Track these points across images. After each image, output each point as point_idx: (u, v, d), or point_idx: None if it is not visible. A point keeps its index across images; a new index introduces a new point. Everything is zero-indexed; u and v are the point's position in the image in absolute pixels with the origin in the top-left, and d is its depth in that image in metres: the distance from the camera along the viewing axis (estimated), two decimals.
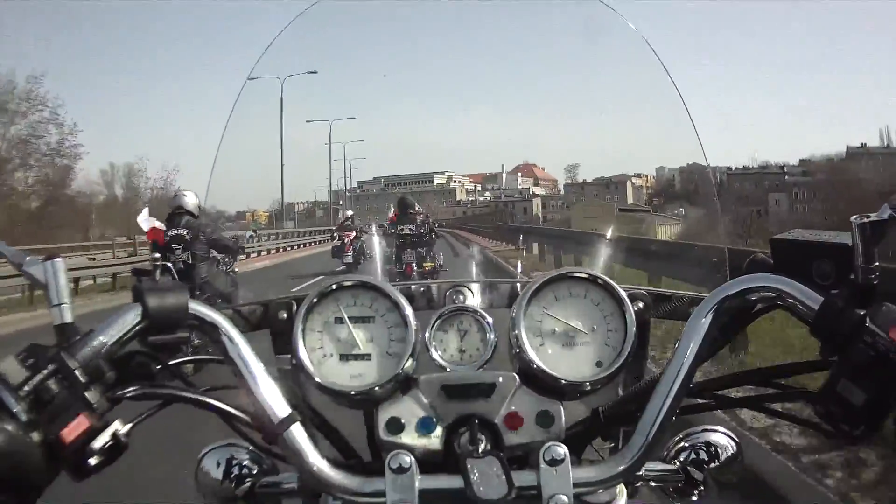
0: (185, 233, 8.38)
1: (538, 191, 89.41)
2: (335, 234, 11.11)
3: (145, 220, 9.00)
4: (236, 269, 8.13)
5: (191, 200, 8.64)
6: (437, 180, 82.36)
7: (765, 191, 72.65)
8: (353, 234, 10.31)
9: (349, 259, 9.73)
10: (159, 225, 8.80)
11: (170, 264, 8.07)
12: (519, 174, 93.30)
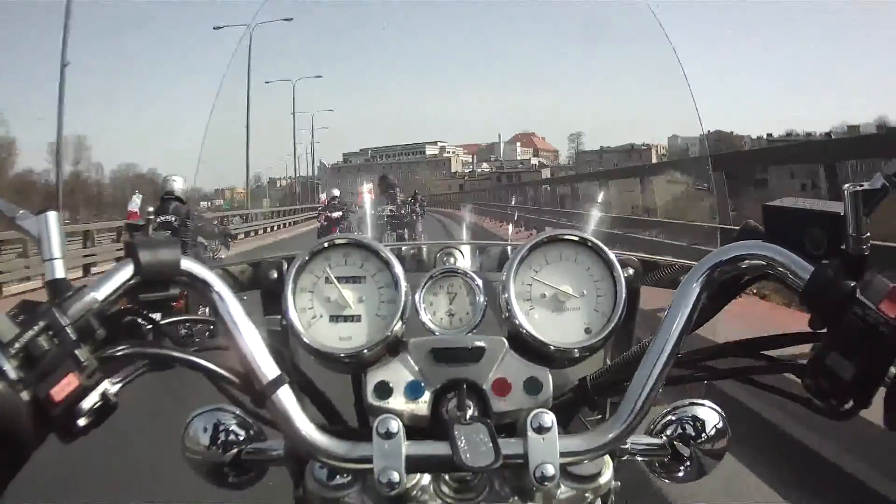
0: (173, 219, 8.41)
1: (536, 161, 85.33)
2: (321, 214, 10.98)
3: (135, 206, 9.29)
4: (224, 255, 8.29)
5: (179, 185, 8.66)
6: (430, 151, 78.51)
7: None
8: (340, 213, 10.20)
9: None
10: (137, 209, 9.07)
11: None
12: (518, 144, 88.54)
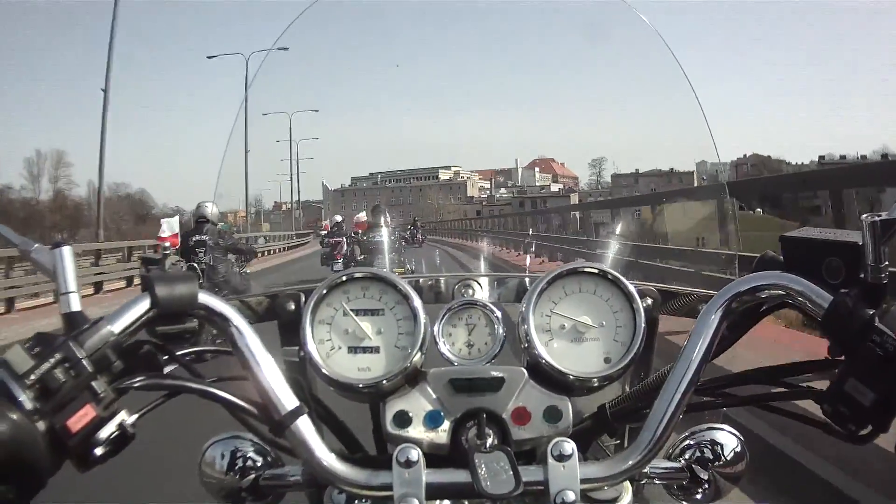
0: (206, 238, 9.54)
1: (558, 187, 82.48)
2: (323, 241, 11.10)
3: (170, 227, 9.93)
4: (248, 270, 9.53)
5: (210, 210, 9.74)
6: (443, 176, 74.89)
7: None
8: (343, 240, 10.28)
9: (339, 266, 9.80)
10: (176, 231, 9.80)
11: (195, 265, 8.84)
12: (536, 169, 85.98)
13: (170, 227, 9.81)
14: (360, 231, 7.57)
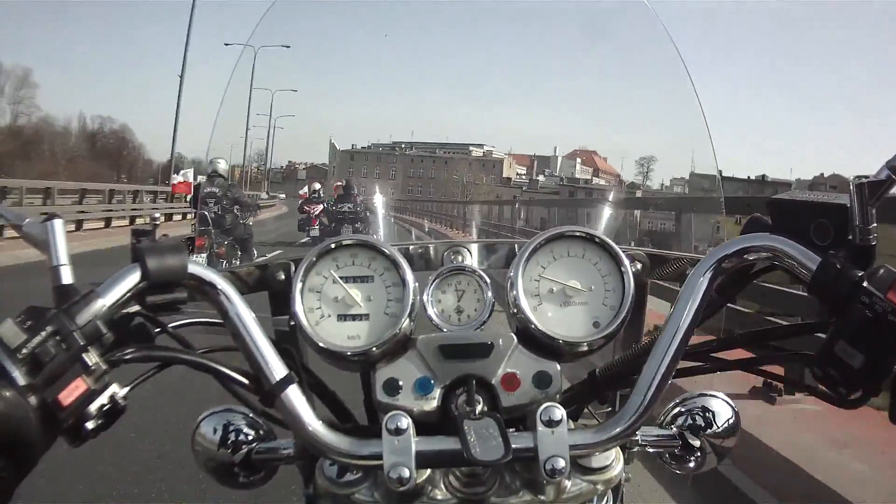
0: (217, 190, 10.02)
1: (603, 180, 78.82)
2: (301, 207, 11.34)
3: (185, 176, 10.61)
4: (251, 222, 9.75)
5: (222, 166, 10.35)
6: (475, 153, 70.73)
7: None
8: (321, 207, 10.40)
9: (315, 233, 10.07)
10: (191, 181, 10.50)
11: (206, 212, 9.04)
12: (578, 160, 77.02)
13: (184, 177, 10.28)
14: (332, 199, 7.87)
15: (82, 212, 22.49)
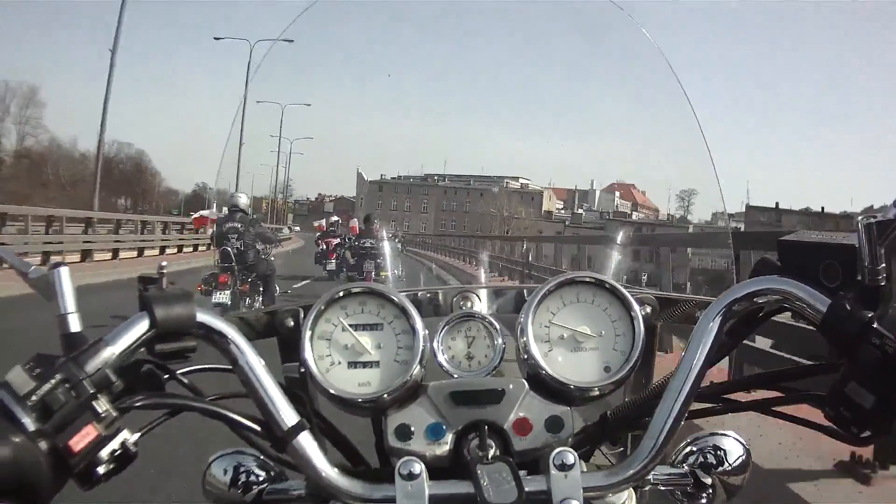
0: (238, 226, 10.49)
1: (640, 215, 72.28)
2: (318, 241, 11.49)
3: (210, 211, 10.74)
4: (273, 257, 10.54)
5: (243, 200, 10.74)
6: (511, 185, 63.65)
7: None
8: (337, 240, 10.53)
9: (332, 266, 10.42)
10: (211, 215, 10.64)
11: (228, 248, 9.87)
12: (617, 194, 76.90)
13: (209, 212, 10.36)
14: (354, 236, 8.06)
15: (119, 241, 23.47)
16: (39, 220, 21.82)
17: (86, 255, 21.91)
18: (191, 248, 29.05)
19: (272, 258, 10.59)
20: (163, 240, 28.74)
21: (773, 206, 72.91)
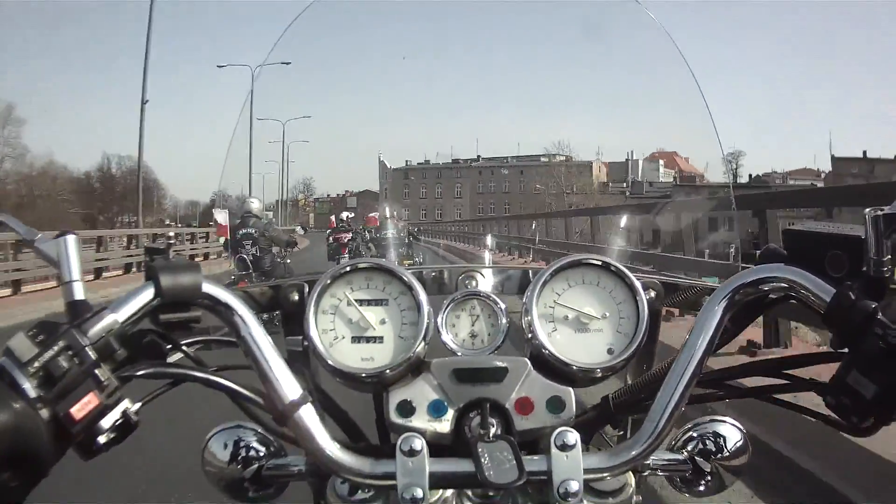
0: (253, 231, 10.55)
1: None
2: (329, 237, 11.49)
3: (224, 218, 10.77)
4: (289, 260, 10.59)
5: (256, 206, 10.87)
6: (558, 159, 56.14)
7: None
8: (349, 235, 10.51)
9: (345, 260, 9.98)
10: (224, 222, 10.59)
11: (244, 256, 9.82)
12: (661, 162, 73.40)
13: (224, 219, 10.45)
14: (372, 227, 7.87)
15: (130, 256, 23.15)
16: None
17: (99, 273, 21.92)
18: (202, 258, 28.88)
19: (288, 261, 10.65)
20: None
21: (861, 155, 65.73)
